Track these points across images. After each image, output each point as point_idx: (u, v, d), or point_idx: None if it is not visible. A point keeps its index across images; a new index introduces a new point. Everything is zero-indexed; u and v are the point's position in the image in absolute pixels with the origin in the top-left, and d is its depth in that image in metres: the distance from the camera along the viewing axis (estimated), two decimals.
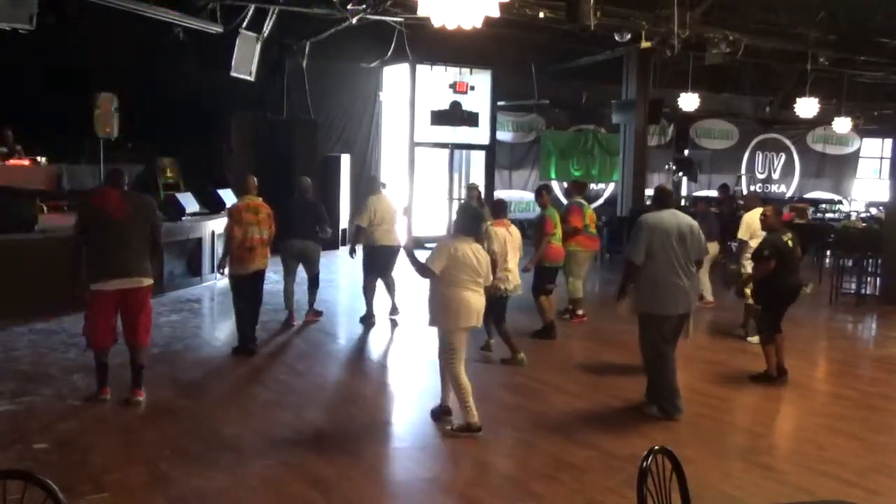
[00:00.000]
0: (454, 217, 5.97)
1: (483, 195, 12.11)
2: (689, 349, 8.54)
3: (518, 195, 18.50)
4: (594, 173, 19.52)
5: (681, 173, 20.03)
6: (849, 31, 14.31)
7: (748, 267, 8.64)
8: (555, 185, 17.52)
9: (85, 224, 5.96)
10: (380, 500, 4.68)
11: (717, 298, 10.72)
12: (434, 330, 5.79)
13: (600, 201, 19.33)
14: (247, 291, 7.72)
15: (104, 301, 5.90)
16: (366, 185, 9.37)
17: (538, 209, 9.15)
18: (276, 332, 8.60)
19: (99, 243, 5.87)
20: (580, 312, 9.57)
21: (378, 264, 9.04)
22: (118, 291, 5.89)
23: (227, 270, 7.76)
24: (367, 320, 9.12)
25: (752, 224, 8.54)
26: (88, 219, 5.97)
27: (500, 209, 7.84)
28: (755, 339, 8.67)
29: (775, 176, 22.85)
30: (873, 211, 19.03)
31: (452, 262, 5.56)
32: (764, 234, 7.53)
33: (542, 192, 9.09)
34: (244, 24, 12.37)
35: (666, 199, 6.37)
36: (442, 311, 5.62)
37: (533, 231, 9.03)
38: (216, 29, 12.09)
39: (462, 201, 13.53)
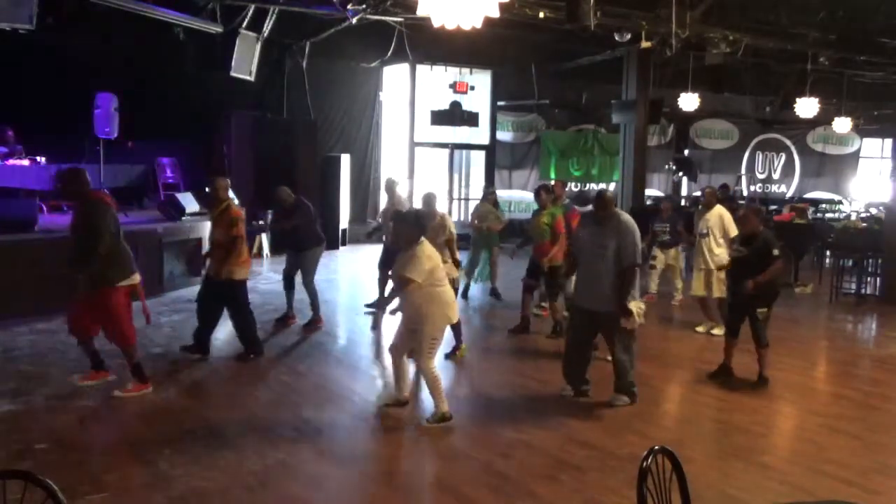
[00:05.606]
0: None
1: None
2: (686, 349, 8.56)
3: (518, 195, 18.49)
4: (594, 173, 19.52)
5: (681, 173, 20.02)
6: (849, 31, 14.31)
7: (711, 254, 8.81)
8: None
9: (112, 225, 6.05)
10: (380, 500, 4.68)
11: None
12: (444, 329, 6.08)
13: None
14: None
15: (126, 296, 6.15)
16: (387, 185, 9.99)
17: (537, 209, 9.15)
18: (281, 332, 8.64)
19: (118, 241, 6.11)
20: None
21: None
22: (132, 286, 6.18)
23: None
24: (375, 305, 9.47)
25: (725, 219, 8.79)
26: (112, 219, 6.10)
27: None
28: (719, 331, 8.71)
29: (775, 176, 22.84)
30: (873, 211, 19.02)
31: None
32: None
33: (541, 192, 9.09)
34: (244, 24, 12.36)
35: (613, 202, 6.41)
36: None
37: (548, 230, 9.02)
38: (216, 29, 12.09)
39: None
